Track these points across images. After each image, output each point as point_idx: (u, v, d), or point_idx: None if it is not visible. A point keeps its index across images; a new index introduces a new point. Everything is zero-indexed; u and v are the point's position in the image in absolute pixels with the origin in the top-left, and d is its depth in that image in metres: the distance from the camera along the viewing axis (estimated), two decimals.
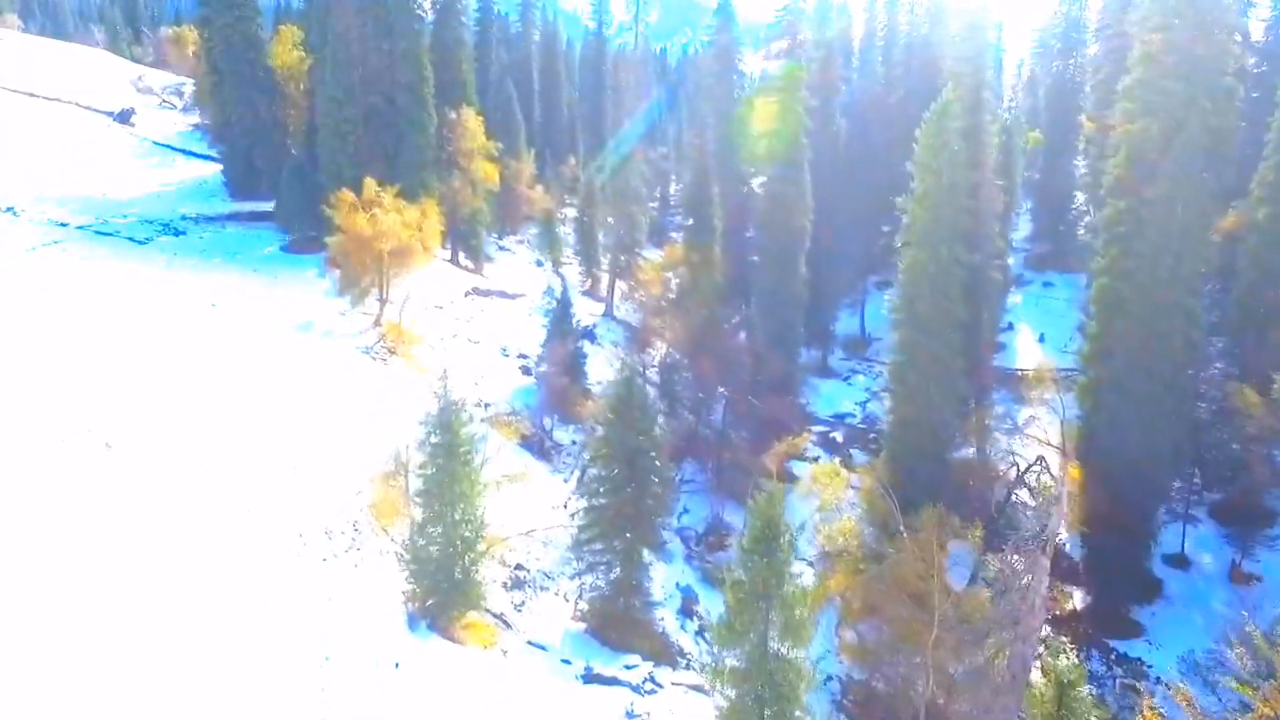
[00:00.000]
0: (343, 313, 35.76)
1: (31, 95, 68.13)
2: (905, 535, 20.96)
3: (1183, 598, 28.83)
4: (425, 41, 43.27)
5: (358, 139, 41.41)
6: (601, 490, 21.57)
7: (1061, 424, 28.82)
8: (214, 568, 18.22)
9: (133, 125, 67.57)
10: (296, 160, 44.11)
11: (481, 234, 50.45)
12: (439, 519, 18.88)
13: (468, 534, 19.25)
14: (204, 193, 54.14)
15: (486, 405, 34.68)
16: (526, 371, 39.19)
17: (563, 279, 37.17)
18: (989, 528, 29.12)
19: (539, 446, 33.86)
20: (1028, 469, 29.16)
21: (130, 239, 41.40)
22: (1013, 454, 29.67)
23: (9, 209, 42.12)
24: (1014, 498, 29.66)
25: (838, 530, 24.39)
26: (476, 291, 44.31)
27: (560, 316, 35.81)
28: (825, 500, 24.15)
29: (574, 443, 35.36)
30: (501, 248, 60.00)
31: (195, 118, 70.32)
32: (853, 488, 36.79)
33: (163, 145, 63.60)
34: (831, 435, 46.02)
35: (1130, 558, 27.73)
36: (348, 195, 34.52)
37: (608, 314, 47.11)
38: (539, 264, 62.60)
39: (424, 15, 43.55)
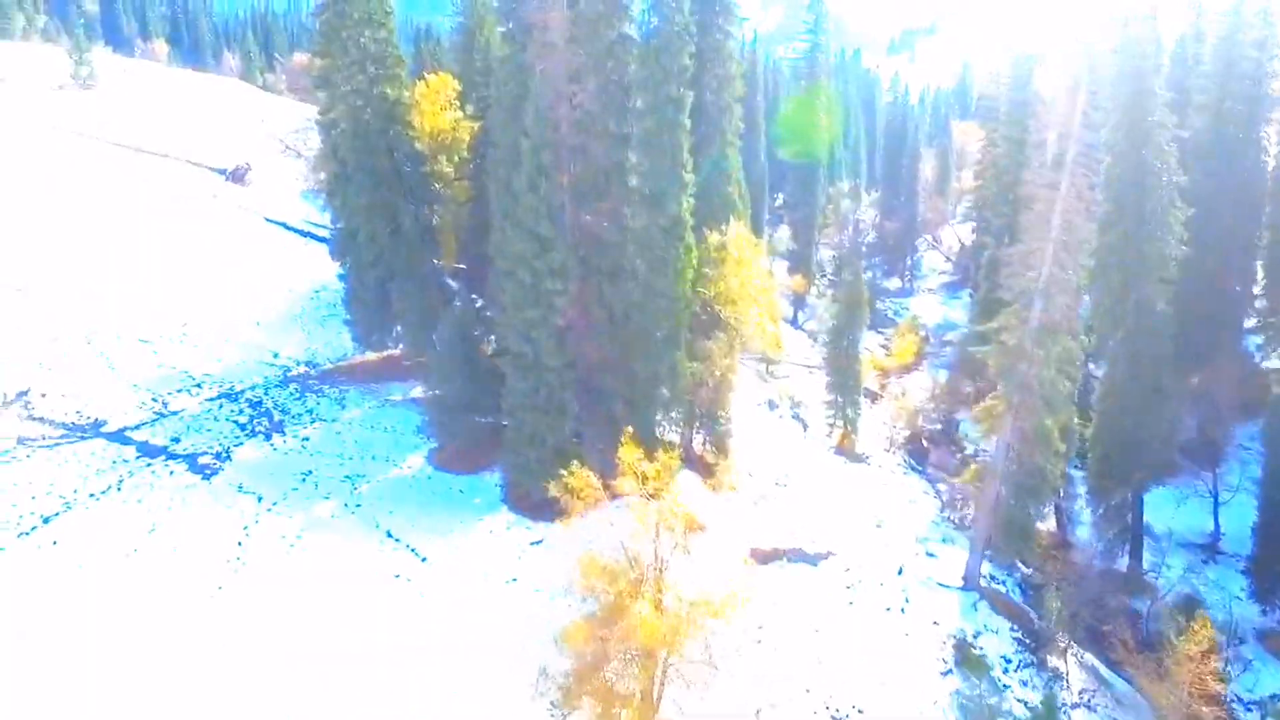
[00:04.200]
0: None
1: (139, 150, 56.90)
2: None
3: None
4: (683, 116, 23.95)
5: (570, 298, 22.71)
6: None
7: None
8: None
9: (246, 185, 55.01)
10: (460, 315, 25.89)
11: (729, 405, 31.08)
12: None
13: None
14: (318, 313, 37.87)
15: None
16: None
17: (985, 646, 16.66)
18: None
19: None
20: None
21: (190, 460, 24.48)
22: None
23: (21, 396, 26.06)
24: None
25: None
26: (756, 557, 24.81)
27: None
28: None
29: None
30: None
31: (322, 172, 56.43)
32: None
33: (275, 223, 48.86)
34: None
35: None
36: (583, 479, 15.88)
37: (969, 586, 26.49)
38: (771, 406, 43.42)
39: (686, 68, 23.96)
